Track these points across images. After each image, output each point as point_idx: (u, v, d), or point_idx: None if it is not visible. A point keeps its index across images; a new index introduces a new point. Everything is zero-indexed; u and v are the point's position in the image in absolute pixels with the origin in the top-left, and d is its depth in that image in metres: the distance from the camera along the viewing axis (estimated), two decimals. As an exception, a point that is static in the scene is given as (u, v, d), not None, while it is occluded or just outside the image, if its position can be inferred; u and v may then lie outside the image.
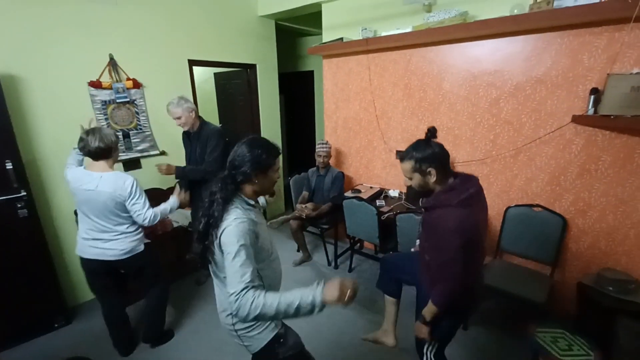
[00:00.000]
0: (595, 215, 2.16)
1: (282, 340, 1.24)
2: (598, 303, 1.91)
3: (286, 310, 0.98)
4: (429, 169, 1.32)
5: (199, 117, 2.56)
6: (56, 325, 2.40)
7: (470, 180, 1.35)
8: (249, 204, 1.18)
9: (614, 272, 1.99)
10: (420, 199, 1.58)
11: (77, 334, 2.37)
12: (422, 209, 1.48)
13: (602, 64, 1.96)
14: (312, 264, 3.27)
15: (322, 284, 1.00)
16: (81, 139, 1.78)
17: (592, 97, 1.95)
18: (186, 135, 2.62)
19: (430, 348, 1.53)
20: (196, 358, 2.13)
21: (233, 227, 1.06)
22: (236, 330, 1.21)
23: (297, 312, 0.98)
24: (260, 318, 1.01)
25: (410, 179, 1.41)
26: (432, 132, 1.39)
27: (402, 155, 1.40)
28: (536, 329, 1.82)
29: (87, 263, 1.94)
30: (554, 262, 2.25)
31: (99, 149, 1.77)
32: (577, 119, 2.04)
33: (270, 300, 0.98)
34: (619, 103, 1.82)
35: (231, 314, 1.18)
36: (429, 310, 1.40)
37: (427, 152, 1.32)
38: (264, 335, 1.21)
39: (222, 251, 1.08)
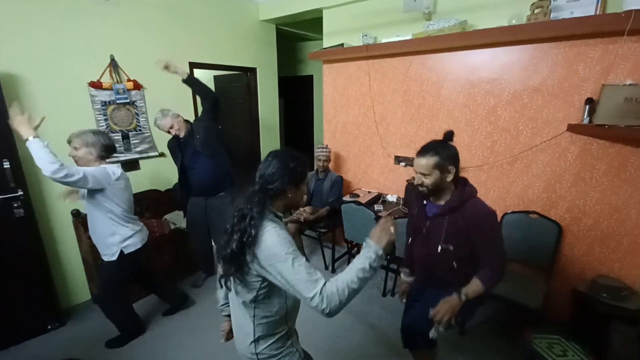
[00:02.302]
0: (590, 223, 2.19)
1: None
2: (592, 309, 1.93)
3: (363, 275, 0.98)
4: (450, 167, 1.37)
5: (186, 121, 2.59)
6: (49, 328, 2.37)
7: (466, 178, 1.49)
8: (277, 216, 1.12)
9: (608, 279, 2.03)
10: (419, 204, 1.58)
11: (70, 336, 2.34)
12: (440, 215, 1.45)
13: (596, 74, 2.01)
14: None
15: (370, 241, 1.05)
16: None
17: (587, 106, 2.00)
18: (176, 144, 2.59)
19: (437, 330, 1.44)
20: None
21: (276, 237, 0.99)
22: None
23: (372, 271, 1.00)
24: (350, 298, 0.96)
25: (426, 175, 1.39)
26: (449, 135, 1.44)
27: (423, 151, 1.40)
28: (532, 334, 1.84)
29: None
30: (550, 269, 2.28)
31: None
32: (573, 128, 2.09)
33: (348, 277, 0.97)
34: (613, 113, 1.86)
35: (256, 342, 1.10)
36: (475, 291, 1.36)
37: (451, 151, 1.39)
38: None
39: (263, 268, 1.00)
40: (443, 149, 1.38)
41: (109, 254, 1.98)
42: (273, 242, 0.99)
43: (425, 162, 1.38)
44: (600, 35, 1.95)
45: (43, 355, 2.14)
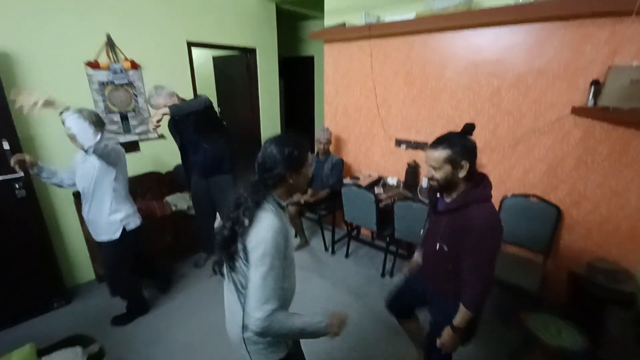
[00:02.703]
0: (589, 207, 2.20)
1: None
2: (588, 292, 1.96)
3: (299, 333, 1.05)
4: (463, 162, 1.25)
5: (182, 100, 2.48)
6: (55, 305, 2.43)
7: (485, 175, 1.34)
8: (281, 206, 1.10)
9: (605, 263, 2.05)
10: (431, 198, 1.52)
11: (76, 313, 2.40)
12: (444, 212, 1.36)
13: (603, 56, 1.96)
14: (309, 250, 3.31)
15: (327, 319, 1.09)
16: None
17: (593, 88, 1.96)
18: (173, 124, 2.55)
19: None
20: (193, 339, 2.18)
21: (270, 239, 0.98)
22: (247, 345, 1.13)
23: (304, 336, 1.07)
24: (276, 337, 1.04)
25: (437, 169, 1.29)
26: (469, 127, 1.30)
27: (435, 143, 1.30)
28: (527, 315, 1.88)
29: None
30: (547, 252, 2.31)
31: None
32: (577, 111, 2.06)
33: (291, 323, 1.01)
34: (618, 95, 1.84)
35: (244, 327, 1.11)
36: (464, 318, 1.30)
37: (467, 145, 1.26)
38: (276, 355, 1.15)
39: (247, 257, 1.00)
40: (458, 142, 1.26)
41: (110, 233, 2.00)
42: (264, 240, 0.97)
43: (437, 154, 1.27)
44: (609, 15, 1.89)
45: (50, 332, 2.19)
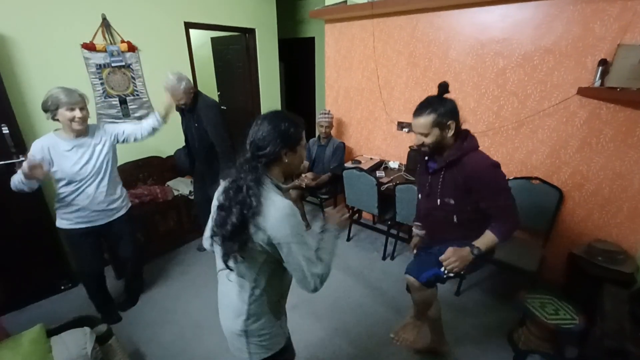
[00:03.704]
0: (592, 189, 2.19)
1: (287, 354, 1.23)
2: (587, 272, 1.99)
3: (334, 254, 1.10)
4: (449, 122, 1.31)
5: (195, 92, 2.44)
6: (62, 288, 2.48)
7: (467, 130, 1.43)
8: (280, 188, 1.03)
9: (605, 244, 2.06)
10: (423, 162, 1.56)
11: (83, 296, 2.42)
12: (439, 170, 1.42)
13: (613, 33, 1.90)
14: (310, 233, 3.34)
15: (325, 226, 1.15)
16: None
17: (600, 68, 1.92)
18: (180, 109, 2.50)
19: (448, 274, 1.45)
20: (197, 321, 2.22)
21: (291, 215, 0.95)
22: (248, 337, 1.09)
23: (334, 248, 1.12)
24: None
25: (426, 134, 1.34)
26: (444, 87, 1.35)
27: (418, 110, 1.35)
28: (525, 294, 1.91)
29: None
30: (547, 233, 2.32)
31: None
32: (583, 91, 2.02)
33: (329, 258, 1.07)
34: (627, 75, 1.79)
35: (248, 319, 1.07)
36: (488, 243, 1.37)
37: (449, 105, 1.31)
38: (275, 346, 1.14)
39: (272, 243, 0.95)
40: (440, 104, 1.31)
41: (126, 207, 2.08)
42: (288, 219, 0.94)
43: (423, 120, 1.32)
44: (621, -11, 1.83)
45: (57, 313, 2.25)
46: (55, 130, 1.80)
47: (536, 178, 2.33)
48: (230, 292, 1.09)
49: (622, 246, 2.07)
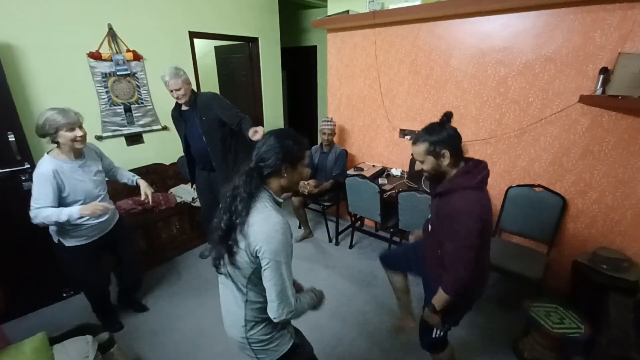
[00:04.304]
0: (595, 196, 2.19)
1: (298, 350, 1.21)
2: (591, 280, 1.97)
3: (307, 310, 1.13)
4: (443, 151, 1.29)
5: (192, 91, 2.43)
6: (64, 295, 2.47)
7: (481, 163, 1.35)
8: (277, 202, 1.08)
9: (609, 251, 2.05)
10: (430, 186, 1.56)
11: (85, 303, 2.42)
12: (436, 196, 1.41)
13: (613, 42, 1.92)
14: (313, 241, 3.33)
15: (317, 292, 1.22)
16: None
17: (602, 76, 1.93)
18: (178, 114, 2.48)
19: (438, 332, 1.51)
20: (200, 329, 2.21)
21: (281, 234, 0.98)
22: (251, 344, 1.12)
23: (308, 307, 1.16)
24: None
25: (423, 162, 1.37)
26: (448, 116, 1.35)
27: (415, 138, 1.36)
28: (530, 303, 1.89)
29: None
30: (551, 241, 2.31)
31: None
32: (585, 99, 2.03)
33: (302, 308, 1.08)
34: (628, 83, 1.81)
35: (246, 326, 1.10)
36: (440, 298, 1.36)
37: (442, 134, 1.30)
38: (281, 347, 1.15)
39: (256, 255, 0.99)
40: (432, 133, 1.31)
41: (117, 215, 2.08)
42: (278, 235, 0.97)
43: (417, 148, 1.35)
44: (620, 0, 1.85)
45: (59, 321, 2.24)
46: (49, 152, 1.71)
47: (539, 185, 2.33)
48: (229, 297, 1.14)
49: (627, 254, 2.06)
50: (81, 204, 1.73)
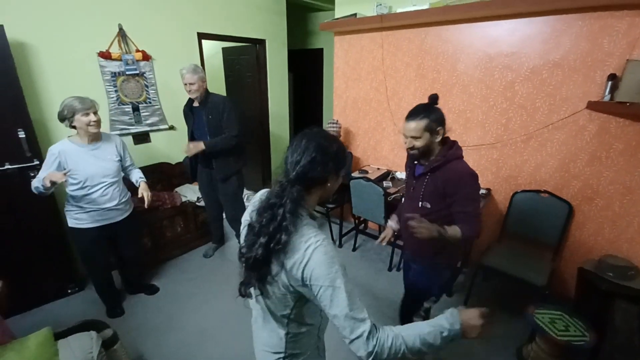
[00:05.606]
0: (602, 203, 2.17)
1: None
2: (597, 287, 1.95)
3: (423, 350, 0.81)
4: (439, 128, 1.42)
5: (206, 90, 2.53)
6: (69, 291, 2.49)
7: (455, 141, 1.51)
8: (313, 217, 0.92)
9: (615, 259, 2.03)
10: (411, 169, 1.63)
11: (89, 299, 2.46)
12: (425, 174, 1.50)
13: (621, 49, 1.92)
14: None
15: (458, 319, 0.84)
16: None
17: (610, 83, 1.93)
18: (189, 109, 2.58)
19: (428, 304, 1.60)
20: (202, 328, 2.22)
21: (323, 255, 0.80)
22: None
23: (432, 349, 0.83)
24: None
25: (417, 138, 1.43)
26: (434, 99, 1.46)
27: (413, 114, 1.44)
28: (535, 309, 1.88)
29: None
30: (557, 247, 2.29)
31: None
32: (592, 105, 2.02)
33: (411, 343, 0.80)
34: (636, 90, 1.80)
35: (285, 357, 0.95)
36: (454, 232, 1.41)
37: (438, 113, 1.43)
38: None
39: (304, 284, 0.82)
40: (431, 111, 1.42)
41: (131, 207, 2.21)
42: (321, 259, 0.79)
43: (416, 124, 1.42)
44: (628, 7, 1.85)
45: (64, 317, 2.26)
46: (69, 136, 1.93)
47: (545, 191, 2.32)
48: (265, 328, 0.98)
49: (633, 262, 2.04)
50: (79, 187, 1.91)
